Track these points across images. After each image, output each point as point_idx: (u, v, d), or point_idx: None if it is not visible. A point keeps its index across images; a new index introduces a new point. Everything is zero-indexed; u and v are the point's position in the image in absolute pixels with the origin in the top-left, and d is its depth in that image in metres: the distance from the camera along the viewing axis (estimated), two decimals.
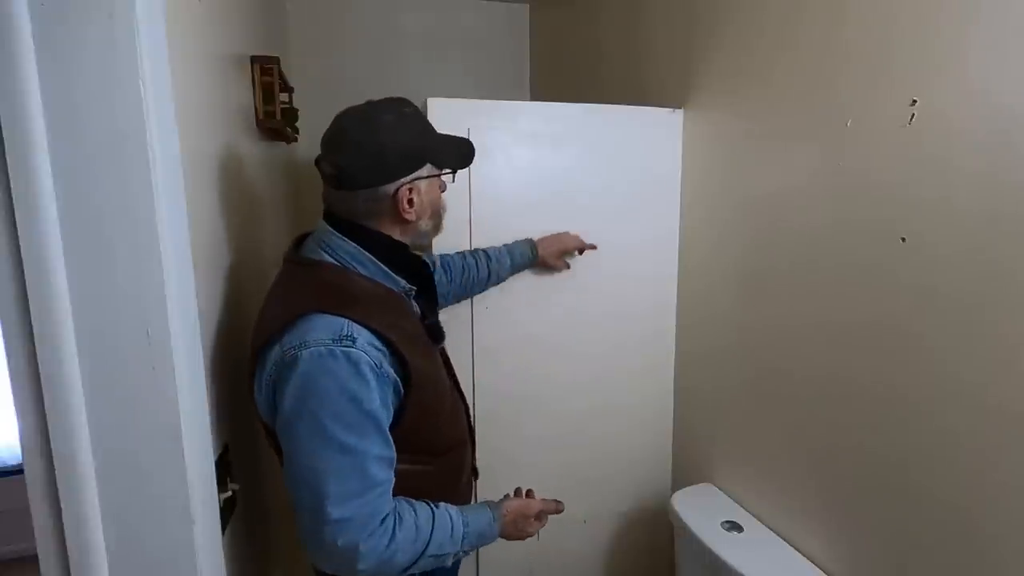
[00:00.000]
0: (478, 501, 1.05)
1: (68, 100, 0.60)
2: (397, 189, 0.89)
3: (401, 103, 0.92)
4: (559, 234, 1.38)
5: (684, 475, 1.58)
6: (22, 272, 0.61)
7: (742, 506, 1.34)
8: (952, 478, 0.89)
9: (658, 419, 1.60)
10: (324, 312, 0.82)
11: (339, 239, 0.91)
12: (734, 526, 1.26)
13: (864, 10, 0.98)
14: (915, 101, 0.90)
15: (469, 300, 1.37)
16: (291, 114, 1.62)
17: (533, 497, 1.03)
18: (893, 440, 0.98)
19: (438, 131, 0.97)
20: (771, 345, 1.24)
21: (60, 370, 0.63)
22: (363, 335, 0.82)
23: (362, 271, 0.91)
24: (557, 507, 1.03)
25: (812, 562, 1.15)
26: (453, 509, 0.92)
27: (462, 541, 0.91)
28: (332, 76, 2.11)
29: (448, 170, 0.97)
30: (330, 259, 0.91)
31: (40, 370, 0.63)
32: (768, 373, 1.25)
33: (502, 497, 1.02)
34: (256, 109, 1.35)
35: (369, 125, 0.88)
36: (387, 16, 2.19)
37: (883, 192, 0.96)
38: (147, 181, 0.63)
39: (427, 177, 0.93)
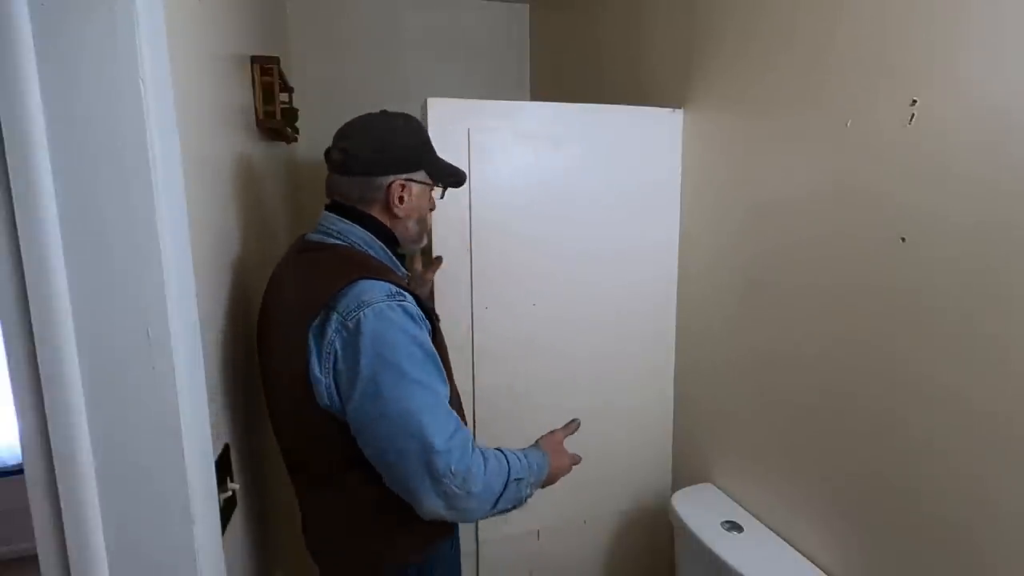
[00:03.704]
0: None
1: (68, 100, 0.60)
2: (391, 183, 0.97)
3: (411, 117, 1.03)
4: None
5: (684, 475, 1.58)
6: (22, 272, 0.61)
7: (742, 506, 1.34)
8: (946, 482, 0.89)
9: (658, 419, 1.60)
10: (368, 278, 0.88)
11: (348, 225, 0.98)
12: (734, 526, 1.27)
13: (864, 9, 0.98)
14: (915, 101, 0.90)
15: (469, 301, 1.37)
16: (291, 114, 1.62)
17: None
18: (890, 442, 0.98)
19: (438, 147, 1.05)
20: (771, 345, 1.24)
21: (60, 370, 0.63)
22: (406, 295, 0.90)
23: (372, 255, 0.98)
24: (574, 427, 1.10)
25: (812, 562, 1.15)
26: (504, 448, 0.96)
27: (529, 468, 0.93)
28: (332, 76, 2.11)
29: (439, 185, 1.04)
30: (342, 244, 0.97)
31: (40, 370, 0.63)
32: (768, 373, 1.25)
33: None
34: (256, 109, 1.35)
35: (379, 123, 0.99)
36: (387, 16, 2.19)
37: (883, 191, 0.96)
38: (147, 180, 0.63)
39: (419, 183, 1.01)
